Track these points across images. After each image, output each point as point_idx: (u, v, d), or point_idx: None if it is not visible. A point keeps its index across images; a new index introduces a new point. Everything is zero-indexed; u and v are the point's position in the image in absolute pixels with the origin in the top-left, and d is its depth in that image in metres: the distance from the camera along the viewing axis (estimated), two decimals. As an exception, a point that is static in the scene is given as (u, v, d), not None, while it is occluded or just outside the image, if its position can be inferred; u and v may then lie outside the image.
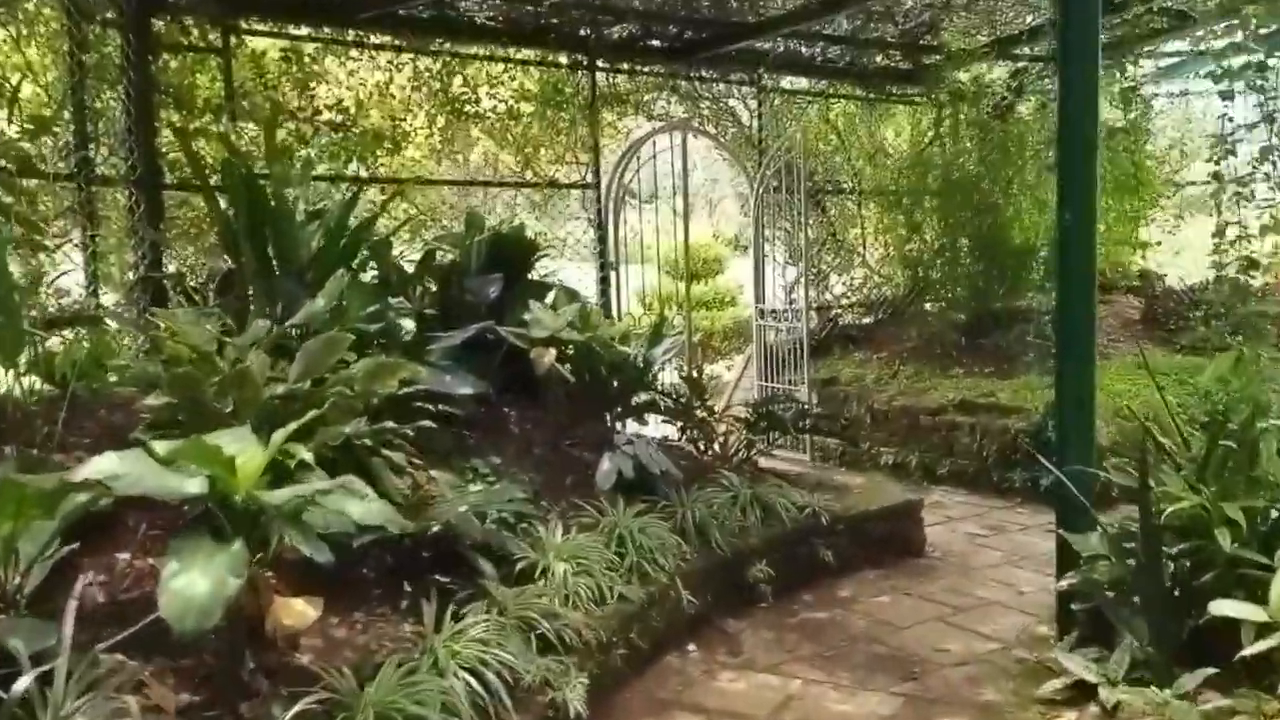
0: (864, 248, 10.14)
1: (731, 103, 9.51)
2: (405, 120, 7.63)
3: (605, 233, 8.39)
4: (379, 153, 7.44)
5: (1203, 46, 9.48)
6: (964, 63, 8.96)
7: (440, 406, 5.09)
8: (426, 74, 7.68)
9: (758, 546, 5.21)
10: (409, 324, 5.27)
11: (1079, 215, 3.73)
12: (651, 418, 6.48)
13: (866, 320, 9.95)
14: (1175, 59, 9.83)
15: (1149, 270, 9.33)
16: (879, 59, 9.62)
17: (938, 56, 9.19)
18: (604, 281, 8.34)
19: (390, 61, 7.55)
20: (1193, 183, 9.73)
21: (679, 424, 6.29)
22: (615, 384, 6.22)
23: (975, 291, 8.68)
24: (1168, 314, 8.44)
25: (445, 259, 6.27)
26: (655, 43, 8.59)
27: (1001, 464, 7.24)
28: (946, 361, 8.44)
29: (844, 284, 10.04)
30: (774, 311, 8.94)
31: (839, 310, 9.92)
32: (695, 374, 6.29)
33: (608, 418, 6.25)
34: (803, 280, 8.81)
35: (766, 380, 8.96)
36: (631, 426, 6.21)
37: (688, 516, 5.09)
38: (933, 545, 6.03)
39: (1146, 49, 9.61)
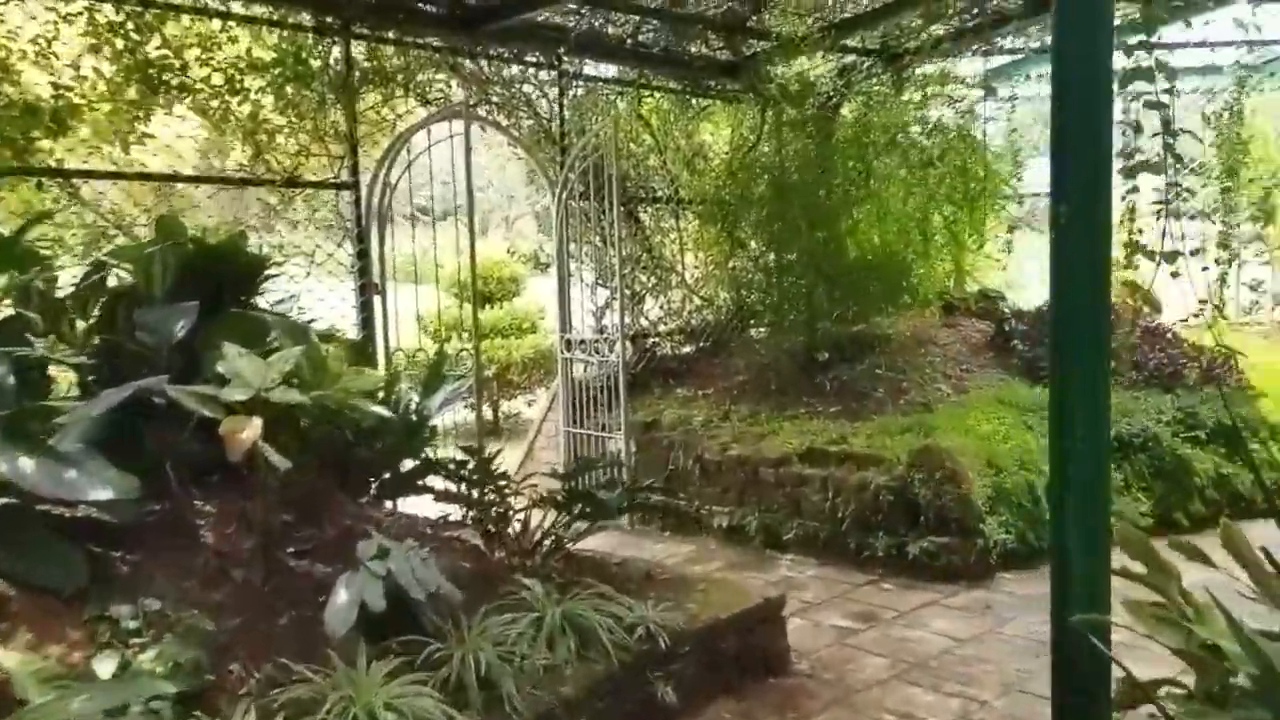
0: (683, 265, 8.78)
1: (528, 89, 7.91)
2: (78, 90, 5.55)
3: (368, 245, 6.58)
4: (35, 132, 5.35)
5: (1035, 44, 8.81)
6: (791, 54, 7.79)
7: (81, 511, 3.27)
8: (109, 29, 5.64)
9: (573, 697, 3.59)
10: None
11: (1080, 206, 2.38)
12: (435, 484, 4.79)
13: (688, 350, 8.59)
14: (1006, 58, 9.11)
15: (990, 290, 8.49)
16: (697, 47, 8.31)
17: (763, 44, 7.99)
18: (365, 308, 6.51)
19: (53, 8, 5.47)
20: (1036, 194, 9.03)
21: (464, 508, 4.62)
22: (366, 456, 4.50)
23: (813, 315, 7.47)
24: (1020, 338, 7.54)
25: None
26: (430, 8, 6.87)
27: (860, 527, 5.98)
28: (786, 399, 7.17)
29: (661, 307, 8.63)
30: (582, 341, 7.39)
31: (656, 338, 8.51)
32: (484, 445, 4.62)
33: (360, 504, 4.53)
34: (616, 303, 7.33)
35: (575, 424, 7.41)
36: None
37: (469, 663, 3.43)
38: (797, 653, 4.62)
39: (975, 48, 8.82)
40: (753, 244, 8.16)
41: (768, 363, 7.78)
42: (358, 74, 6.76)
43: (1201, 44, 8.22)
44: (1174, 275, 4.16)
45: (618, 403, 7.01)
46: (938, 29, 8.09)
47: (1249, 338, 8.66)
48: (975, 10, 7.76)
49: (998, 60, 9.13)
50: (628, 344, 8.08)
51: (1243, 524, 6.03)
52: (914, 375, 7.12)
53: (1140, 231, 4.26)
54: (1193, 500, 6.43)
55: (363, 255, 6.57)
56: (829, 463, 6.27)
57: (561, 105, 7.95)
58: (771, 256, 7.98)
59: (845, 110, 8.75)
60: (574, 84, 8.20)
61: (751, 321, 8.55)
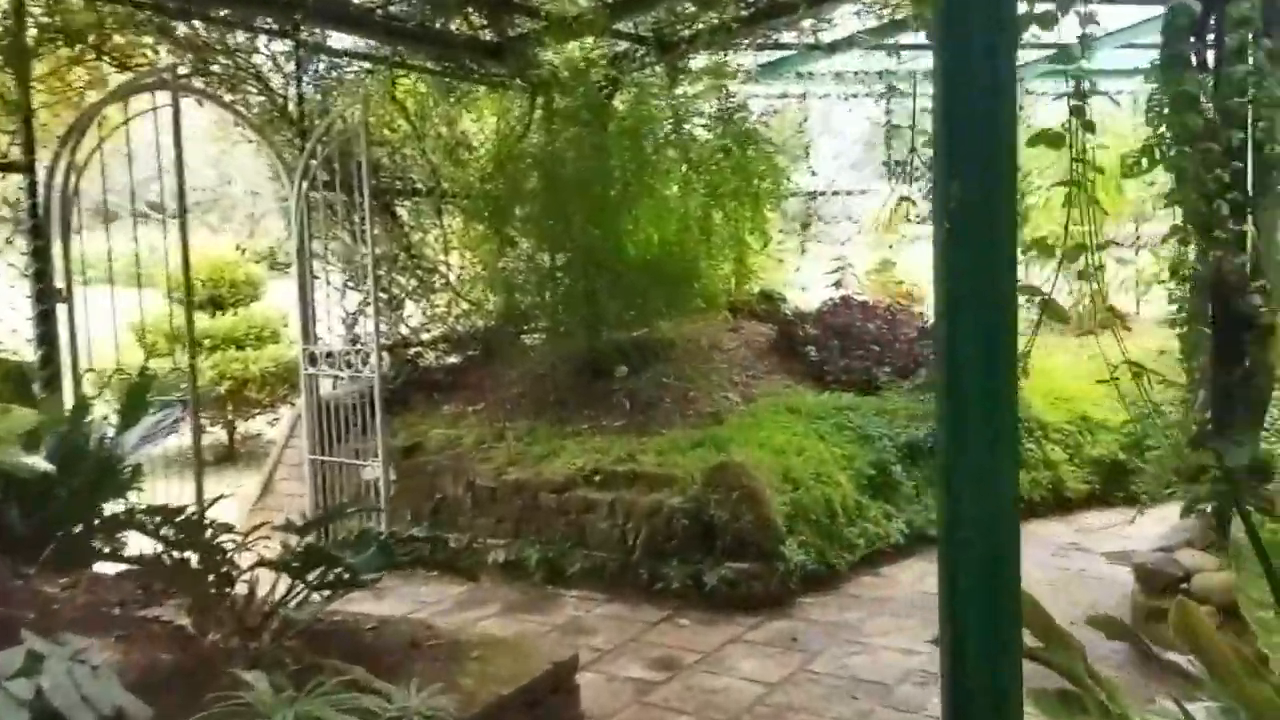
0: (448, 265, 7.91)
1: (259, 61, 6.78)
2: None
3: (47, 242, 5.28)
4: None
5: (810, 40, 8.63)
6: (562, 37, 7.14)
7: None
8: None
9: (310, 838, 2.73)
10: None
11: (983, 186, 1.82)
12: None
13: (456, 359, 7.73)
14: (777, 54, 8.88)
15: (772, 291, 8.23)
16: (458, 24, 7.47)
17: (531, 23, 7.27)
18: (45, 319, 5.20)
19: None
20: (818, 193, 8.88)
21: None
22: (30, 515, 3.41)
23: (594, 319, 6.85)
24: (805, 341, 7.27)
25: None
26: (126, -47, 5.66)
27: (653, 555, 5.40)
28: (568, 412, 6.50)
29: (424, 312, 7.72)
30: (330, 354, 6.38)
31: (419, 348, 7.59)
32: (201, 490, 3.60)
33: (26, 577, 3.44)
34: (371, 309, 6.37)
35: (323, 450, 6.38)
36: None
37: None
38: (593, 721, 3.95)
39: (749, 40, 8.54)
40: (525, 242, 7.44)
41: (546, 372, 7.09)
42: (33, 28, 5.45)
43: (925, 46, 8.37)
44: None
45: (374, 424, 6.07)
46: (712, 17, 7.70)
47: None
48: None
49: (768, 56, 8.89)
50: (385, 355, 7.13)
51: (1022, 523, 5.94)
52: (701, 383, 6.66)
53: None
54: (977, 503, 6.33)
55: (40, 254, 5.26)
56: (618, 484, 5.66)
57: (300, 81, 6.88)
58: (546, 256, 7.30)
59: (619, 101, 8.21)
60: (315, 58, 7.15)
61: (526, 326, 7.82)
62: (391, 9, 7.06)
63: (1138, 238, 10.31)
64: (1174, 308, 5.18)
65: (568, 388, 6.73)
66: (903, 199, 10.18)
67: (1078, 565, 5.70)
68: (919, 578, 5.62)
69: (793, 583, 5.29)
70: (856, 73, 9.39)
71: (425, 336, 7.68)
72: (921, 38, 8.47)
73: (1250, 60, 4.60)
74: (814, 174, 9.06)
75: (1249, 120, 4.66)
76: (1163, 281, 10.25)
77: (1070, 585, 5.37)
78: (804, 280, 8.61)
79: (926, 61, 9.15)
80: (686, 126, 7.49)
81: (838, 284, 8.39)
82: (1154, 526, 6.46)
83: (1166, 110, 4.99)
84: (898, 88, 8.92)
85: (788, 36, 8.68)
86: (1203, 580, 4.19)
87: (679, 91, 8.13)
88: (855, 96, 9.89)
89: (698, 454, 5.68)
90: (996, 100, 1.84)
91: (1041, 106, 10.14)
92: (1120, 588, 5.23)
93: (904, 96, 9.95)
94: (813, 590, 5.39)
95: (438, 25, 7.34)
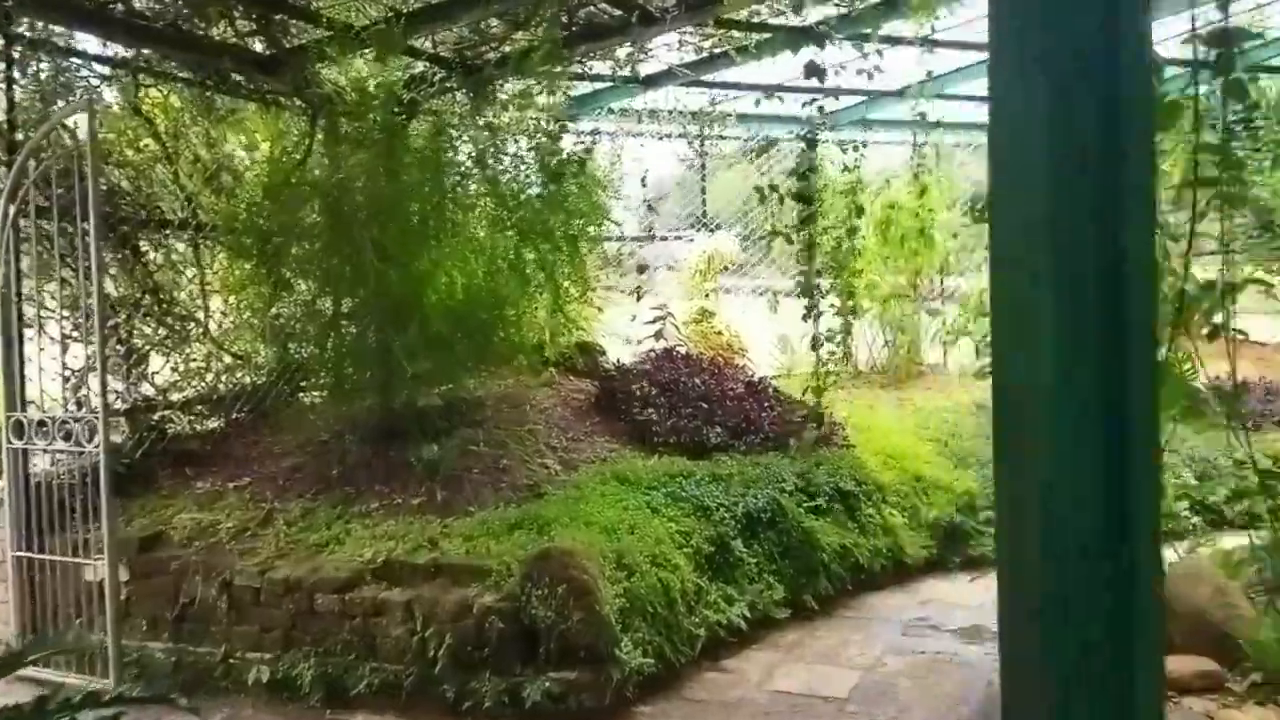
0: (206, 312, 6.65)
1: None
2: None
3: None
4: None
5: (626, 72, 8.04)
6: (347, 51, 6.16)
7: None
8: None
9: None
10: None
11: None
12: None
13: (215, 424, 6.45)
14: (593, 86, 8.26)
15: (591, 343, 7.47)
16: (222, 30, 6.32)
17: (311, 32, 6.25)
18: None
19: None
20: (634, 238, 8.23)
21: None
22: None
23: (387, 377, 5.83)
24: (629, 399, 6.54)
25: None
26: None
27: (460, 667, 4.43)
28: (355, 489, 5.42)
29: (175, 368, 6.41)
30: (43, 423, 5.03)
31: (169, 411, 6.26)
32: None
33: None
34: (99, 366, 5.08)
35: (33, 546, 5.01)
36: None
37: None
38: None
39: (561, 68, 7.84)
40: (303, 284, 6.33)
41: (328, 439, 5.99)
42: None
43: (758, 86, 8.04)
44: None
45: (102, 510, 4.78)
46: (521, 40, 6.95)
47: (832, 390, 8.54)
48: (569, 19, 6.70)
49: (583, 88, 8.24)
50: (121, 421, 5.81)
51: (865, 596, 5.35)
52: (516, 450, 5.77)
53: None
54: (819, 579, 5.77)
55: None
56: (416, 580, 4.66)
57: (10, 82, 5.53)
58: (329, 301, 6.21)
59: (417, 128, 7.27)
60: (36, 55, 5.81)
61: (305, 385, 6.67)
62: (135, 4, 5.85)
63: (943, 288, 10.35)
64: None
65: (355, 458, 5.66)
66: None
67: (932, 647, 5.19)
68: (766, 673, 4.94)
69: (628, 690, 4.47)
70: (671, 111, 8.93)
71: (176, 397, 6.36)
72: (743, 75, 8.11)
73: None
74: (635, 219, 8.47)
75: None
76: (968, 333, 10.38)
77: (931, 674, 4.84)
78: (624, 331, 7.91)
79: (743, 103, 8.82)
80: (494, 159, 6.65)
81: (658, 335, 7.75)
82: (993, 593, 6.15)
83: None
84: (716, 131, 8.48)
85: (602, 68, 8.09)
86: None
87: (485, 121, 7.30)
88: (669, 137, 9.43)
89: (515, 538, 4.78)
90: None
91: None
92: (984, 675, 4.75)
93: (721, 140, 9.59)
94: (651, 696, 4.58)
95: (196, 29, 6.18)
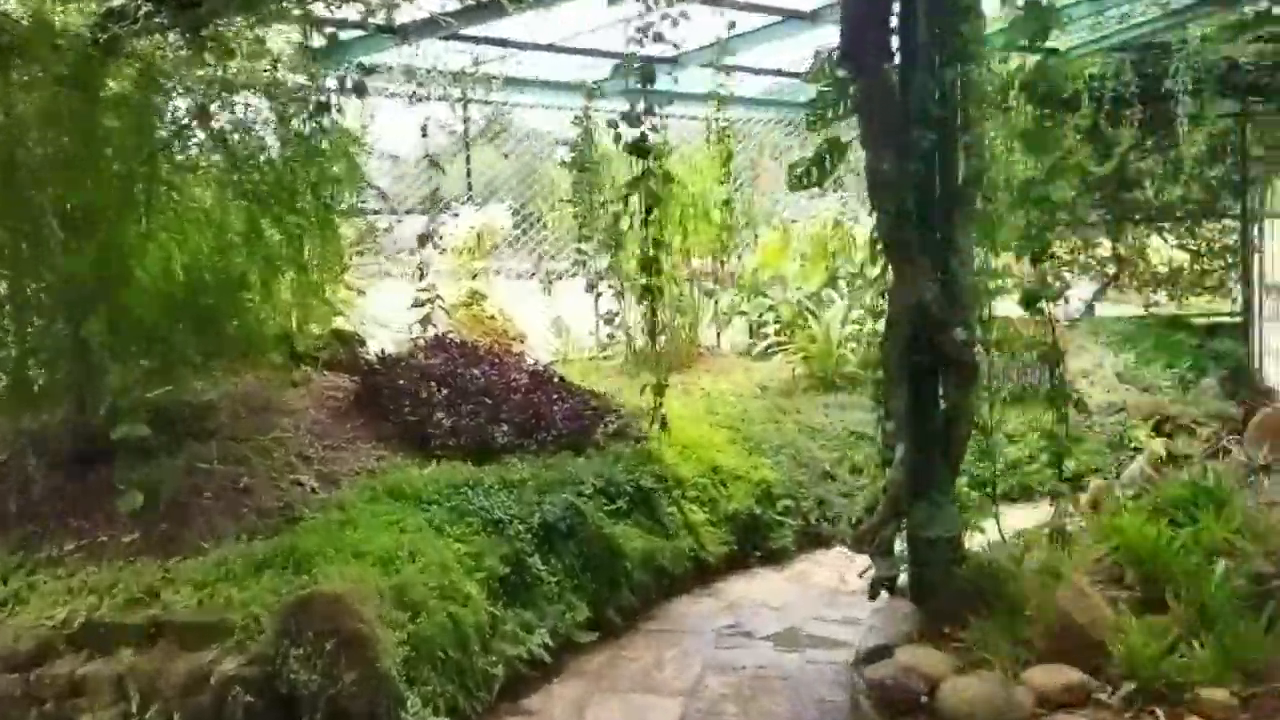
0: None
1: None
2: None
3: None
4: None
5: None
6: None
7: None
8: None
9: None
10: None
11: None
12: None
13: None
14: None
15: (346, 331, 6.42)
16: None
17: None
18: None
19: None
20: (393, 210, 7.20)
21: None
22: None
23: (88, 379, 4.59)
24: (398, 395, 5.61)
25: None
26: None
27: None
28: (41, 529, 4.19)
29: None
30: None
31: None
32: None
33: None
34: None
35: None
36: None
37: None
38: None
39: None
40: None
41: (4, 462, 4.66)
42: None
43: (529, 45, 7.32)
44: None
45: None
46: None
47: (609, 374, 8.00)
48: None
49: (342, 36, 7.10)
50: None
51: (671, 604, 4.79)
52: (260, 465, 4.72)
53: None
54: (623, 590, 5.18)
55: None
56: (129, 646, 3.59)
57: None
58: (1, 283, 4.85)
59: (119, 72, 5.91)
60: None
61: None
62: None
63: (721, 268, 10.07)
64: (866, 349, 4.44)
65: (42, 486, 4.41)
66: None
67: (750, 660, 4.73)
68: (574, 710, 4.27)
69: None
70: (431, 70, 7.97)
71: None
72: (517, 31, 7.31)
73: (941, 58, 3.95)
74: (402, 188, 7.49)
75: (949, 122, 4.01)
76: (743, 313, 10.17)
77: (757, 694, 4.36)
78: (387, 317, 6.91)
79: (519, 67, 8.04)
80: (225, 112, 5.48)
81: (426, 321, 6.84)
82: (797, 589, 5.85)
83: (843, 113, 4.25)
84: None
85: (352, 13, 7.00)
86: (954, 694, 3.32)
87: (209, 68, 6.06)
88: (428, 99, 8.46)
89: (264, 581, 3.81)
90: None
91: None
92: (812, 690, 4.34)
93: (486, 103, 8.74)
94: (443, 762, 3.79)
95: None
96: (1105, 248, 10.85)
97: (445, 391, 5.72)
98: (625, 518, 5.44)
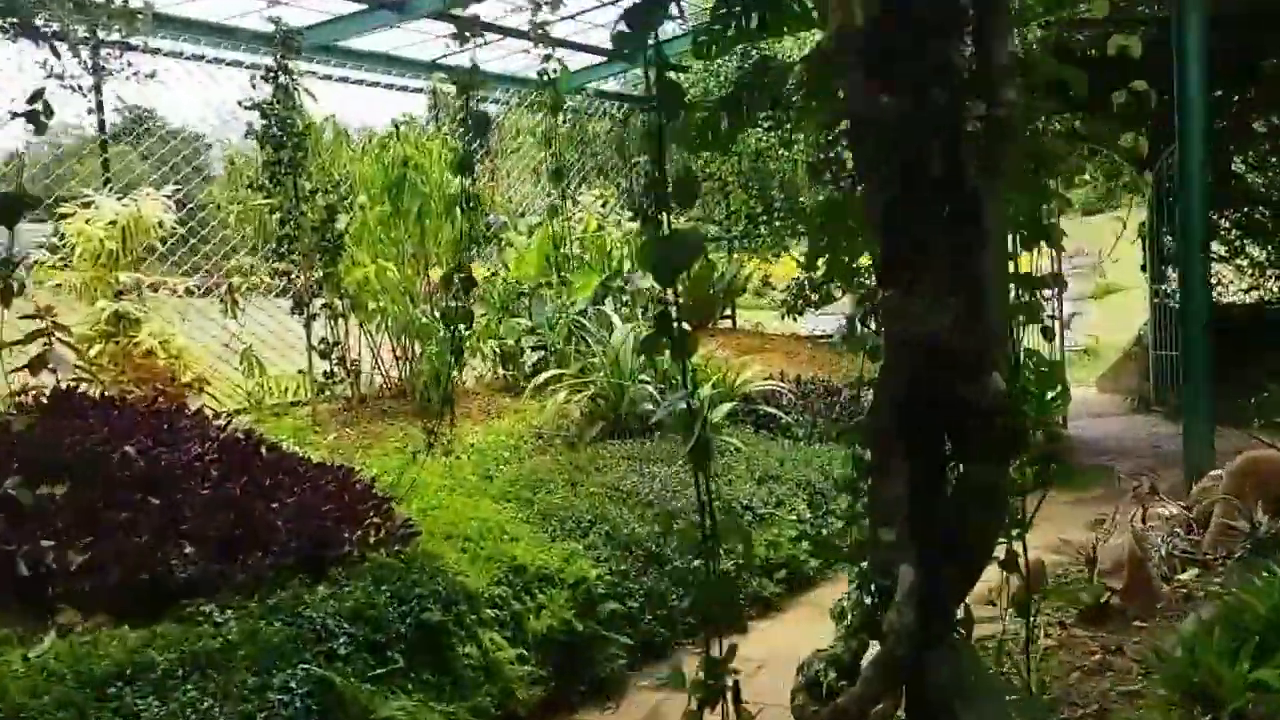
0: None
1: None
2: None
3: None
4: None
5: None
6: None
7: None
8: None
9: None
10: None
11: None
12: None
13: None
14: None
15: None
16: None
17: None
18: None
19: None
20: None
21: None
22: None
23: None
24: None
25: None
26: None
27: None
28: None
29: None
30: None
31: None
32: None
33: None
34: None
35: None
36: None
37: None
38: None
39: None
40: None
41: None
42: None
43: None
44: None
45: None
46: None
47: (335, 428, 5.83)
48: None
49: None
50: None
51: None
52: None
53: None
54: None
55: None
56: None
57: None
58: None
59: None
60: None
61: None
62: None
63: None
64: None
65: None
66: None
67: None
68: None
69: None
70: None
71: None
72: None
73: None
74: None
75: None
76: (498, 337, 8.24)
77: None
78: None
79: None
80: None
81: (39, 365, 4.31)
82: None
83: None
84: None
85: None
86: None
87: None
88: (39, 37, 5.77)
89: None
90: None
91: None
92: None
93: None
94: None
95: None
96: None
97: (73, 491, 3.34)
98: (405, 678, 3.40)
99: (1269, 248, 12.63)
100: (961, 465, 2.60)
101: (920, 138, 2.38)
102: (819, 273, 2.89)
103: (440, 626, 3.66)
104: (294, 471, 3.94)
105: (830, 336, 10.65)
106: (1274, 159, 11.57)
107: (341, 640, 3.19)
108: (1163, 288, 9.39)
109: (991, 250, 2.57)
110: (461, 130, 7.05)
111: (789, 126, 8.68)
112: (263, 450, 4.14)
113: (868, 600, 2.77)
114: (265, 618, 3.13)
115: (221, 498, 3.53)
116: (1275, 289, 13.15)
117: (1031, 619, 3.05)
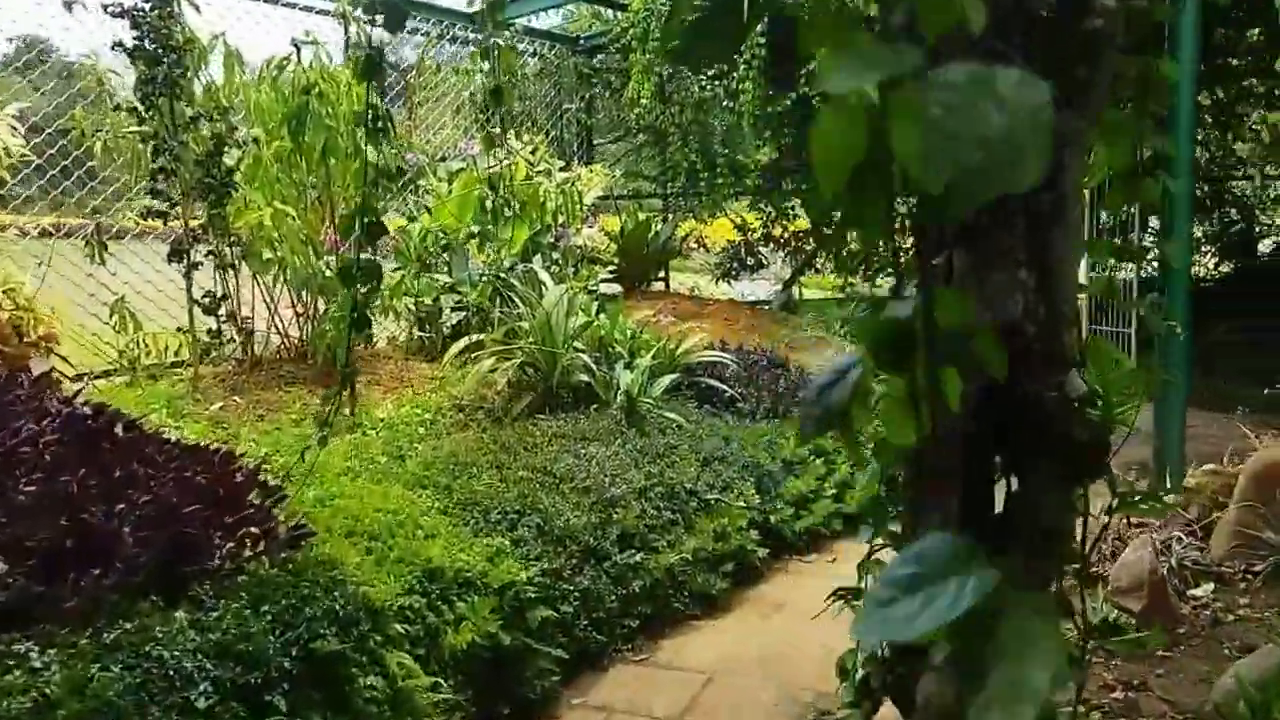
0: None
1: None
2: None
3: None
4: None
5: None
6: None
7: None
8: None
9: None
10: None
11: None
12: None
13: None
14: None
15: None
16: None
17: None
18: None
19: None
20: None
21: None
22: None
23: None
24: None
25: None
26: None
27: None
28: None
29: None
30: None
31: None
32: None
33: None
34: None
35: None
36: None
37: None
38: None
39: None
40: None
41: None
42: None
43: None
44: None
45: None
46: None
47: (219, 398, 5.02)
48: None
49: None
50: None
51: None
52: None
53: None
54: None
55: None
56: None
57: None
58: None
59: None
60: None
61: None
62: None
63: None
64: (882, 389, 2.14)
65: None
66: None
67: None
68: None
69: None
70: None
71: None
72: None
73: None
74: None
75: None
76: (414, 295, 7.42)
77: None
78: None
79: None
80: None
81: None
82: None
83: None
84: None
85: None
86: None
87: None
88: None
89: None
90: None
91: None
92: None
93: None
94: None
95: None
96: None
97: None
98: (288, 725, 2.70)
99: (1205, 224, 12.54)
100: (1018, 485, 2.02)
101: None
102: (829, 227, 2.24)
103: (335, 656, 2.95)
104: (153, 460, 3.15)
105: (769, 303, 10.12)
106: (1215, 134, 11.39)
107: (202, 688, 2.47)
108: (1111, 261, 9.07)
109: (1069, 214, 1.97)
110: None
111: (735, 75, 8.05)
112: (117, 430, 3.33)
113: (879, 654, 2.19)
114: (100, 659, 2.39)
115: (51, 496, 2.74)
116: (1211, 265, 13.13)
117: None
